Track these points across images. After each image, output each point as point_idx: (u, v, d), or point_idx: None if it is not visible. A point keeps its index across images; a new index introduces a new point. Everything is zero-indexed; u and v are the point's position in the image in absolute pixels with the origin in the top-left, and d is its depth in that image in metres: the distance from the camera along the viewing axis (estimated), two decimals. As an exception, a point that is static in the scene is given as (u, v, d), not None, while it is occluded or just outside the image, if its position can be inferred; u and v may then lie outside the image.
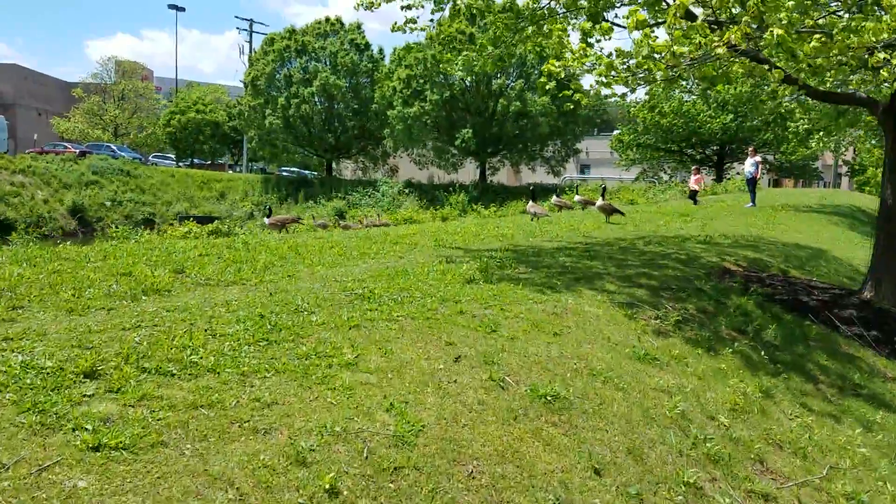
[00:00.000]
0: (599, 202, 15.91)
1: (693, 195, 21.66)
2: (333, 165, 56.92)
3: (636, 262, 9.09)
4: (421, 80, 43.55)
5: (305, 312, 5.09)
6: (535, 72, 43.28)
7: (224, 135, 66.14)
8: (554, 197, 17.04)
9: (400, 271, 7.26)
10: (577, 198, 16.87)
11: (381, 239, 10.62)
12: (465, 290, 6.36)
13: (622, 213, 15.70)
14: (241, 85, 55.62)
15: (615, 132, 55.35)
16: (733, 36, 5.57)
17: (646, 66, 6.12)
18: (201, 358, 3.81)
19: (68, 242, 9.00)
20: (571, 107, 7.35)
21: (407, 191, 47.58)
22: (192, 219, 43.63)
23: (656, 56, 6.17)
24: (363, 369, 3.93)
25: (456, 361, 4.23)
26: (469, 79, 41.88)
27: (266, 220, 12.63)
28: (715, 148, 46.04)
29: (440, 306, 5.62)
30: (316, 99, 50.37)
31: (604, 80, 6.52)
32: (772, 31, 5.42)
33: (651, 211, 18.84)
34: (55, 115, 67.18)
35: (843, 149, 25.04)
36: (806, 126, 19.32)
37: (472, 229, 12.64)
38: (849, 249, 14.16)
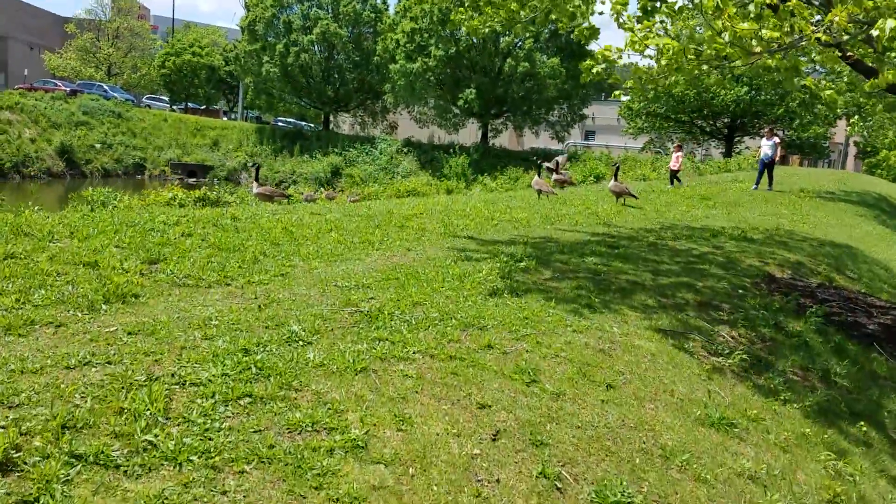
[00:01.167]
0: (612, 183, 14.86)
1: (673, 175, 20.54)
2: (331, 119, 55.27)
3: (672, 265, 8.11)
4: (426, 35, 41.82)
5: (300, 343, 4.10)
6: (546, 32, 41.62)
7: (220, 80, 64.18)
8: (554, 174, 15.88)
9: (410, 273, 6.25)
10: (534, 180, 15.13)
11: (385, 221, 9.57)
12: (488, 308, 5.38)
13: (635, 197, 14.69)
14: (239, 29, 53.53)
15: (624, 98, 53.91)
16: (838, 17, 4.49)
17: (724, 53, 5.05)
18: (159, 436, 2.83)
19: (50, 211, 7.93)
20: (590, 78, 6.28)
21: (406, 150, 46.21)
22: (182, 169, 42.15)
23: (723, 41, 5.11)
24: (375, 456, 2.96)
25: (494, 440, 3.27)
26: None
27: (254, 188, 11.53)
28: (726, 120, 44.77)
29: (462, 335, 4.64)
30: (315, 48, 48.52)
31: (666, 67, 5.44)
32: (885, 21, 4.35)
33: (669, 192, 17.80)
34: (47, 51, 64.89)
35: (875, 132, 23.89)
36: (842, 110, 18.18)
37: (483, 210, 11.60)
38: (883, 248, 13.23)
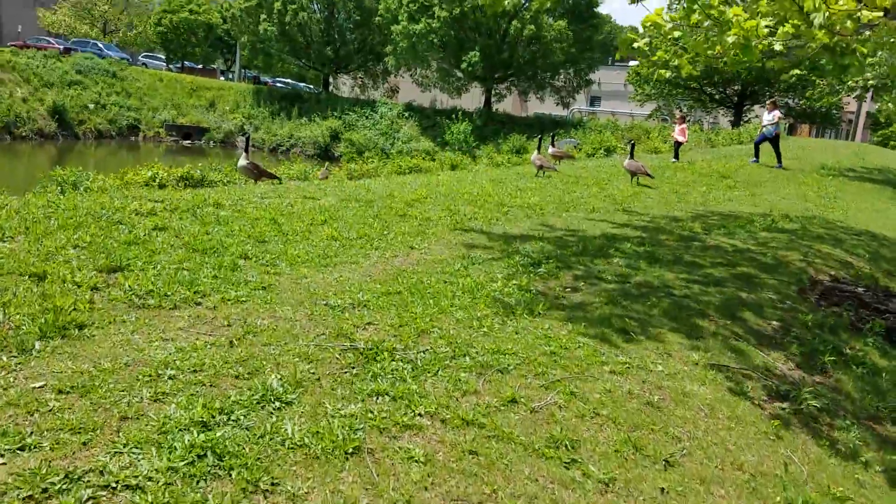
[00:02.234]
0: (628, 161, 13.90)
1: (677, 148, 19.51)
2: (331, 80, 53.76)
3: (709, 266, 7.23)
4: (430, -6, 40.27)
5: (277, 405, 3.25)
6: (553, -7, 40.04)
7: (217, 38, 62.43)
8: (551, 148, 14.86)
9: (414, 285, 5.37)
10: (534, 156, 13.96)
11: (385, 208, 8.65)
12: (507, 337, 4.52)
13: (651, 176, 13.74)
14: (236, -15, 51.69)
15: (632, 63, 52.39)
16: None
17: (813, 36, 4.11)
18: None
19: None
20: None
21: (407, 114, 45.00)
22: (177, 131, 40.94)
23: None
24: None
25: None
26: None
27: (241, 161, 10.56)
28: (736, 88, 43.46)
29: (479, 382, 3.78)
30: (315, 6, 46.89)
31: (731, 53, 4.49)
32: None
33: (685, 171, 16.82)
34: (40, 7, 62.96)
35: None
36: (871, 82, 17.14)
37: (492, 193, 10.66)
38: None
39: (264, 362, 3.71)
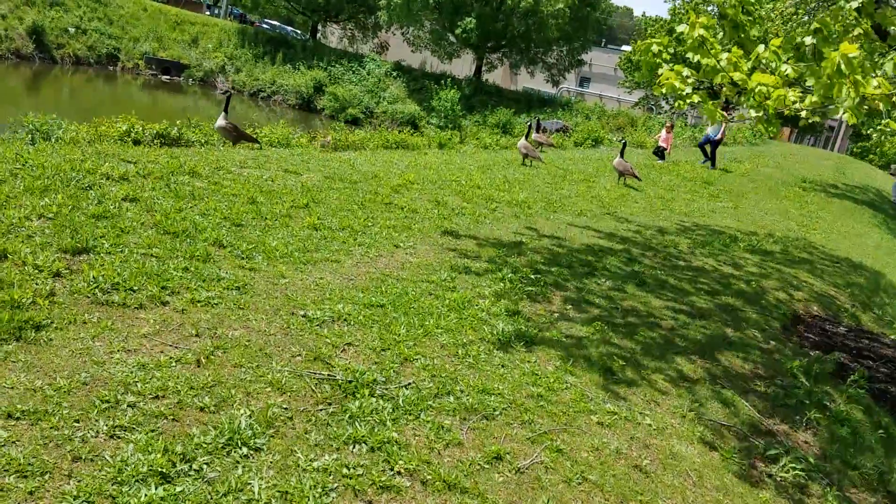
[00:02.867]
0: (617, 160, 13.70)
1: (660, 152, 19.41)
2: (319, 28, 52.33)
3: (694, 293, 7.08)
4: (430, -48, 39.15)
5: (243, 453, 2.98)
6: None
7: (206, -29, 60.29)
8: (534, 133, 14.49)
9: (398, 300, 5.10)
10: (520, 142, 13.64)
11: (371, 194, 8.31)
12: (494, 372, 4.30)
13: (638, 178, 13.57)
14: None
15: (625, 47, 51.86)
16: None
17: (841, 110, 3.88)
18: None
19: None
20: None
21: (395, 73, 43.99)
22: (156, 65, 39.59)
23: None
24: None
25: None
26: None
27: (219, 121, 10.10)
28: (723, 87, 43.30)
29: (463, 430, 3.55)
30: (309, -51, 45.38)
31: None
32: None
33: (671, 173, 16.68)
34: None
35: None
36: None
37: (480, 185, 10.36)
38: None
39: (233, 391, 3.43)
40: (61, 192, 5.90)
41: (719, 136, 18.97)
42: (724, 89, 4.77)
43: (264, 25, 59.44)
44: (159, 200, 6.28)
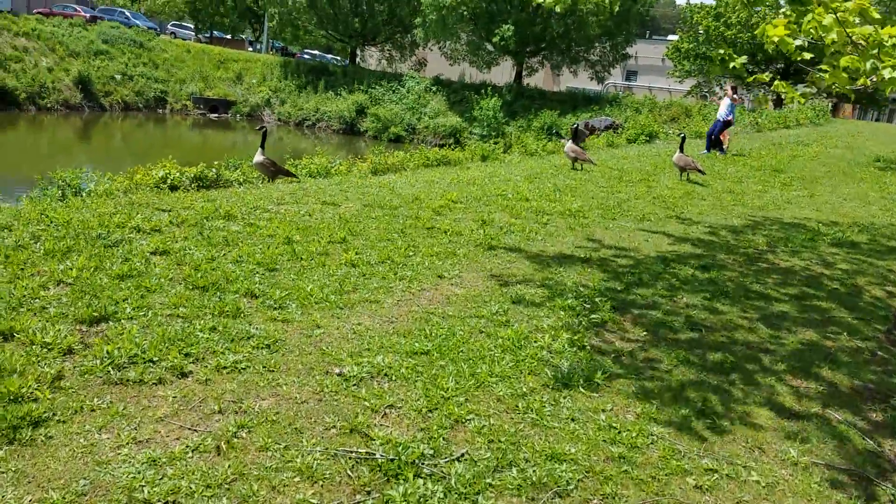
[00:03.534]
0: (677, 156, 12.87)
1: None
2: (358, 53, 52.62)
3: (785, 302, 6.29)
4: (461, -36, 38.80)
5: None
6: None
7: (247, 8, 61.42)
8: (569, 142, 13.60)
9: (445, 344, 4.54)
10: (567, 146, 12.93)
11: (412, 218, 7.80)
12: (560, 423, 3.69)
13: (702, 172, 12.69)
14: (264, -46, 50.52)
15: (671, 37, 50.40)
16: None
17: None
18: None
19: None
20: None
21: (434, 88, 43.75)
22: (203, 104, 40.20)
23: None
24: None
25: None
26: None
27: (256, 157, 9.79)
28: (779, 66, 41.51)
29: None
30: (343, -24, 45.62)
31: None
32: None
33: (736, 163, 15.69)
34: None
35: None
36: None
37: (528, 196, 9.75)
38: None
39: (256, 485, 2.92)
40: (85, 252, 5.57)
41: (730, 117, 17.51)
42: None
43: (305, 56, 60.28)
44: (190, 251, 5.90)
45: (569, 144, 13.49)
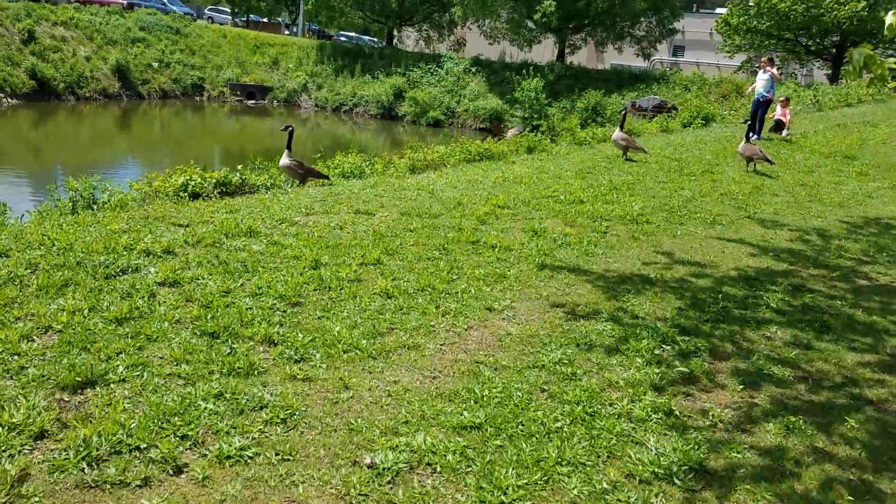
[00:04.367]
0: (743, 145, 11.77)
1: (779, 126, 16.72)
2: (395, 33, 51.62)
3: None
4: (501, -61, 37.46)
5: None
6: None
7: (283, -10, 61.00)
8: (618, 131, 12.47)
9: (500, 412, 3.70)
10: (616, 134, 11.97)
11: (454, 233, 6.94)
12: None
13: (770, 162, 11.55)
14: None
15: (719, 10, 48.19)
16: None
17: None
18: None
19: None
20: None
21: (474, 69, 42.55)
22: (240, 90, 39.72)
23: None
24: None
25: None
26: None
27: (283, 159, 9.04)
28: (835, 39, 39.23)
29: None
30: (379, -46, 44.61)
31: None
32: None
33: (802, 149, 14.44)
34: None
35: None
36: None
37: (582, 197, 8.82)
38: None
39: None
40: (83, 285, 4.87)
41: (769, 93, 15.90)
42: None
43: (341, 38, 59.49)
44: (203, 281, 5.16)
45: (617, 132, 12.46)
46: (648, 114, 31.49)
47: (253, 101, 44.44)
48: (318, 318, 4.74)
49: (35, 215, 7.00)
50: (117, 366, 3.84)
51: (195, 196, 8.17)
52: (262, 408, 3.58)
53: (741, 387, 4.25)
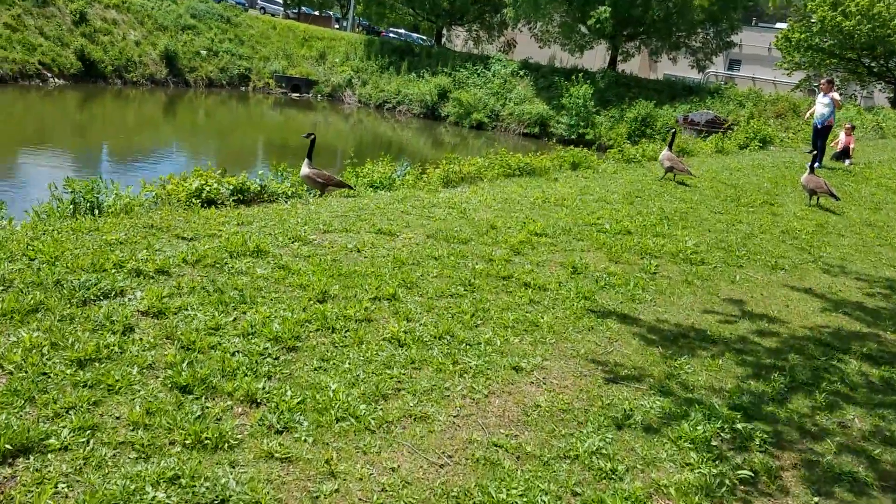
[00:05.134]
0: (807, 177, 10.82)
1: (844, 154, 15.54)
2: (444, 33, 50.98)
3: None
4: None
5: None
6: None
7: (335, -15, 60.88)
8: (666, 150, 11.56)
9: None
10: (663, 154, 11.18)
11: (483, 264, 6.20)
12: None
13: (836, 198, 10.57)
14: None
15: (779, 25, 46.45)
16: None
17: None
18: None
19: None
20: None
21: (522, 72, 41.67)
22: (286, 83, 39.47)
23: None
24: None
25: None
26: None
27: (303, 169, 8.41)
28: (900, 60, 37.37)
29: None
30: (432, -47, 44.01)
31: None
32: None
33: (868, 181, 13.34)
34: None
35: None
36: None
37: (629, 227, 8.00)
38: None
39: None
40: (55, 312, 4.27)
41: (830, 120, 14.73)
42: None
43: (390, 34, 59.08)
44: (191, 313, 4.51)
45: (665, 152, 11.60)
46: (702, 129, 30.28)
47: (297, 95, 44.24)
48: (315, 368, 4.06)
49: (32, 218, 6.46)
50: (62, 428, 3.20)
51: (209, 203, 7.57)
52: (222, 502, 2.90)
53: (810, 494, 3.43)
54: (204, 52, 43.68)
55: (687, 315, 5.69)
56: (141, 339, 4.12)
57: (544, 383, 4.26)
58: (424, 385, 4.04)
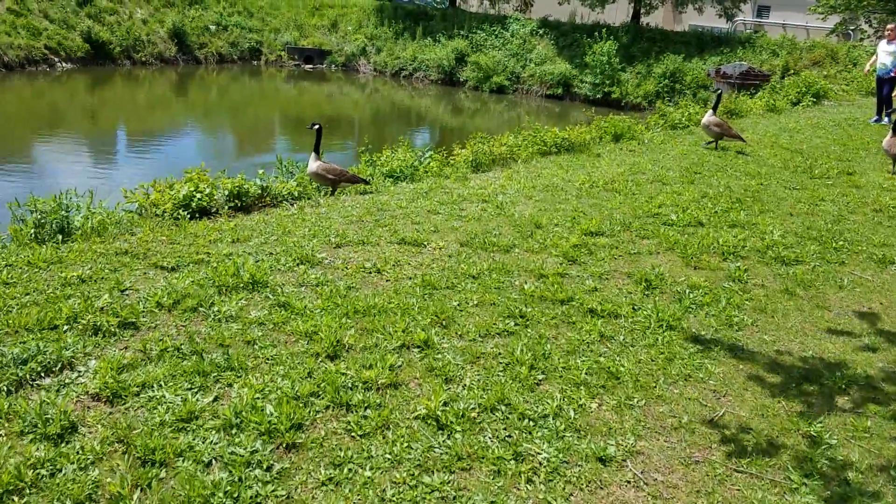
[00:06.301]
0: (888, 139, 9.35)
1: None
2: (459, -7, 48.95)
3: None
4: None
5: None
6: None
7: (343, -53, 58.60)
8: (709, 114, 10.04)
9: None
10: (707, 118, 9.74)
11: (533, 285, 4.94)
12: None
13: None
14: None
15: (813, -36, 43.64)
16: None
17: None
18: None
19: None
20: None
21: (541, 31, 39.67)
22: (298, 54, 38.02)
23: None
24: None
25: None
26: None
27: (312, 167, 7.17)
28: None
29: None
30: None
31: None
32: None
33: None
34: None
35: None
36: None
37: (699, 216, 6.68)
38: None
39: None
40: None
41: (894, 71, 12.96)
42: None
43: (402, -1, 57.06)
44: (156, 395, 3.36)
45: (708, 116, 10.17)
46: (736, 82, 28.42)
47: (311, 66, 42.75)
48: (322, 484, 2.88)
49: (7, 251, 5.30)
50: None
51: (201, 213, 6.39)
52: None
53: None
54: (213, 28, 42.30)
55: (801, 342, 4.42)
56: (83, 449, 2.96)
57: (646, 484, 3.04)
58: (479, 501, 2.84)
